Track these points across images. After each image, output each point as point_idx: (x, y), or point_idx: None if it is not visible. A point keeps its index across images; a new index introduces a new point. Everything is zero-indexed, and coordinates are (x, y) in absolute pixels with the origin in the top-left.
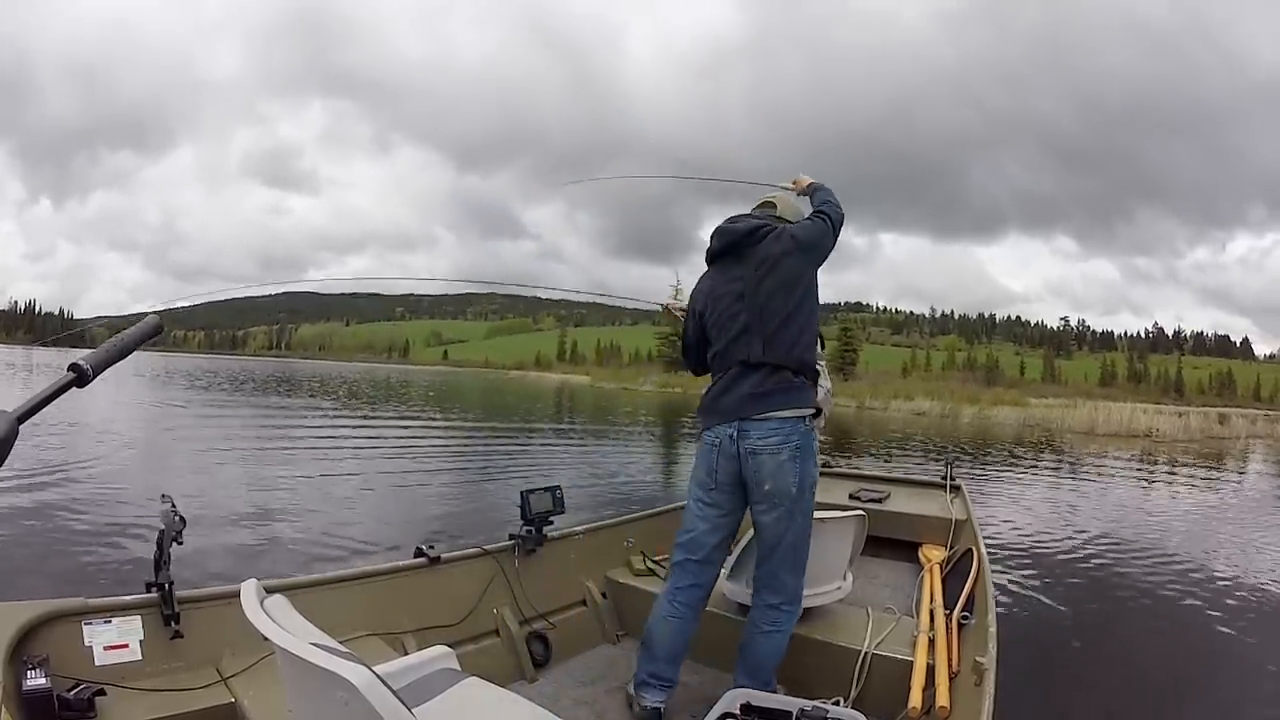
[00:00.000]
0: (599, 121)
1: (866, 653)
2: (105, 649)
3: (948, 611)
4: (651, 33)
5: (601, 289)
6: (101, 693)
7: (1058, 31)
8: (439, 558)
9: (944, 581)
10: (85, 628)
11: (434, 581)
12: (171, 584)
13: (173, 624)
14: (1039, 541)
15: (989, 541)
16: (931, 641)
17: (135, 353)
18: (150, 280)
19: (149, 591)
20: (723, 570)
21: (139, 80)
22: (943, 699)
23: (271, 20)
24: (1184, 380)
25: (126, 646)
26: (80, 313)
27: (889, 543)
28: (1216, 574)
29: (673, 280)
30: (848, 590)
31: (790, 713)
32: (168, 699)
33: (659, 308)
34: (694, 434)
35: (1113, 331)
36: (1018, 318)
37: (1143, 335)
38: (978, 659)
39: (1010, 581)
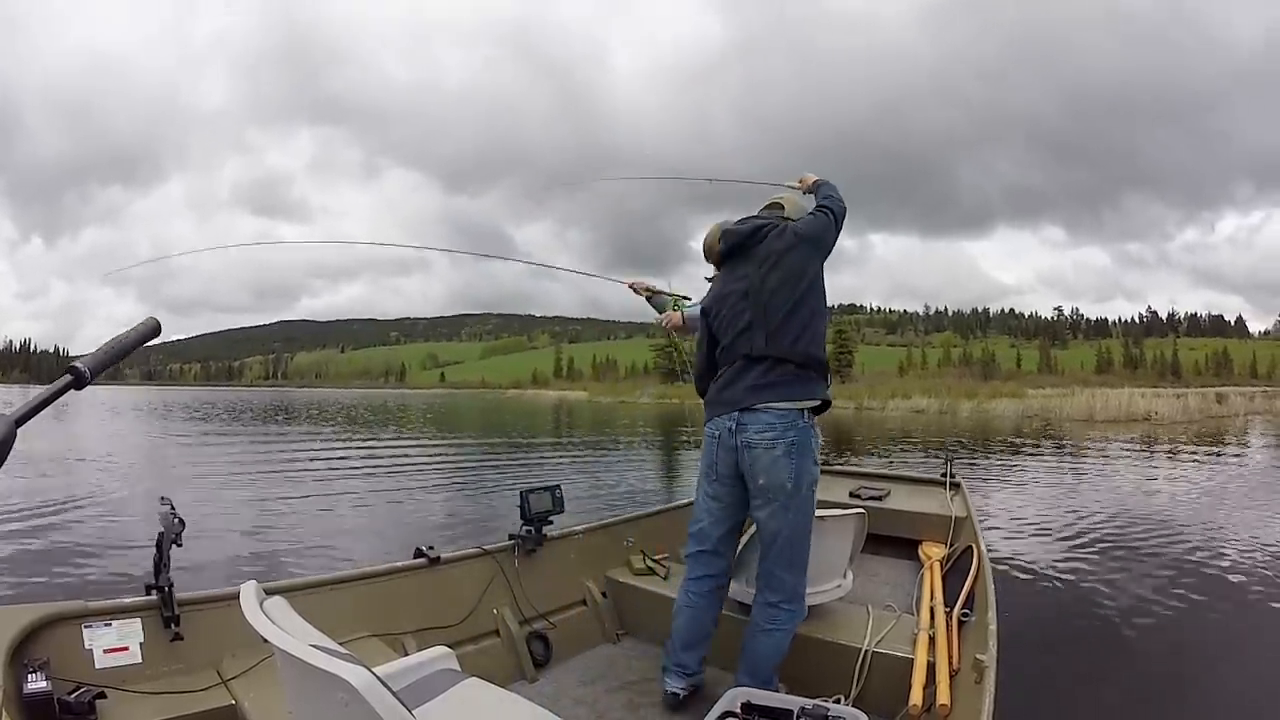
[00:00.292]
0: (586, 137)
1: (867, 651)
2: (105, 652)
3: (948, 609)
4: (636, 46)
5: (594, 304)
6: (102, 695)
7: (1038, 24)
8: (439, 558)
9: (944, 579)
10: (85, 631)
11: (434, 582)
12: (171, 586)
13: (173, 626)
14: (1040, 538)
15: (989, 538)
16: (932, 639)
17: (136, 385)
18: (144, 313)
19: (149, 594)
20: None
21: (127, 114)
22: (943, 697)
23: (257, 49)
24: (1180, 362)
25: (127, 649)
26: (75, 350)
27: (889, 540)
28: (1221, 565)
29: (665, 289)
30: (848, 588)
31: (791, 711)
32: (168, 701)
33: (624, 284)
34: (692, 442)
35: (1107, 318)
36: (1011, 310)
37: (1137, 320)
38: (978, 656)
39: (1011, 578)
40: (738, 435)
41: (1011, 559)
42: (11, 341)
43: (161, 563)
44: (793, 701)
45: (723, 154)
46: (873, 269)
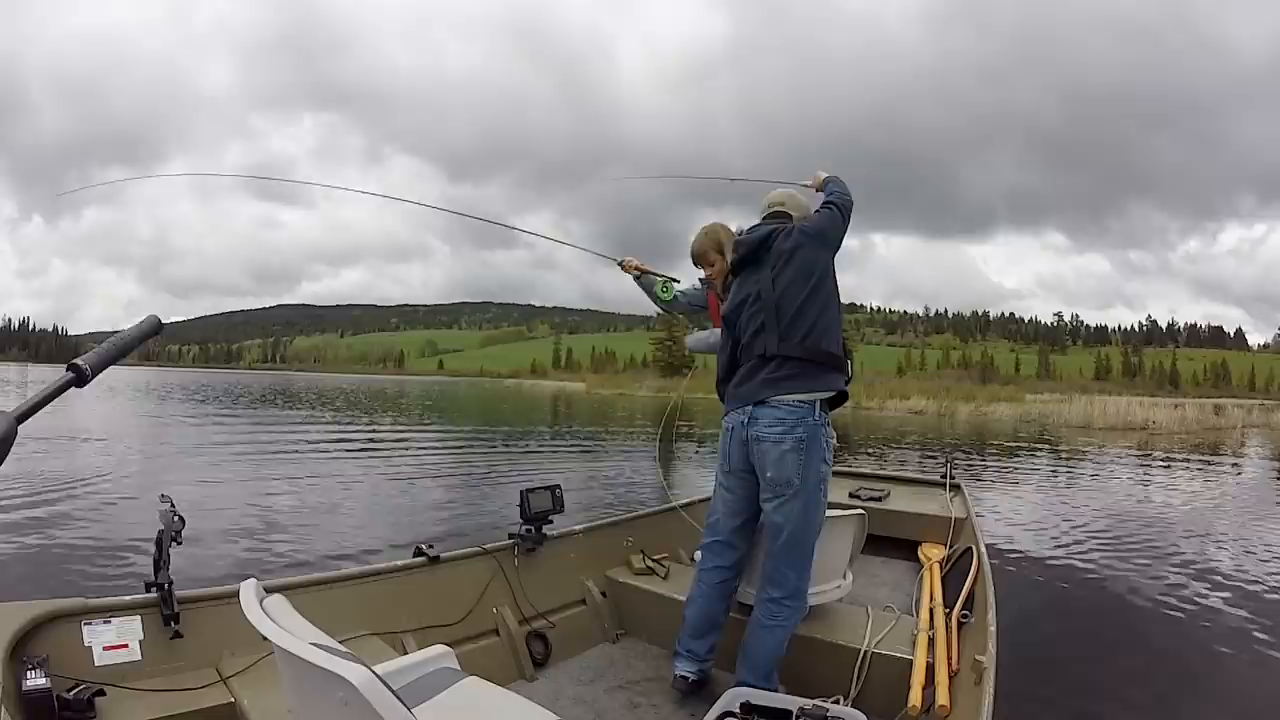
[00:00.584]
0: (587, 129)
1: (866, 651)
2: (105, 649)
3: (947, 610)
4: (638, 40)
5: (595, 296)
6: (101, 693)
7: (1039, 27)
8: (438, 557)
9: (944, 580)
10: (85, 628)
11: (433, 581)
12: (171, 584)
13: (172, 624)
14: (1039, 539)
15: (989, 540)
16: (931, 640)
17: (134, 365)
18: (144, 295)
19: (149, 592)
20: None
21: (130, 95)
22: (942, 698)
23: (261, 34)
24: (1179, 372)
25: (126, 646)
26: (74, 329)
27: (889, 541)
28: (1218, 569)
29: (654, 270)
30: (848, 589)
31: (790, 711)
32: (167, 699)
33: (614, 260)
34: (692, 436)
35: (1106, 325)
36: (1011, 314)
37: (1137, 328)
38: (977, 658)
39: (1010, 580)
40: (749, 428)
41: (1011, 561)
42: (10, 320)
43: (161, 560)
44: (792, 702)
45: (723, 150)
46: (874, 269)
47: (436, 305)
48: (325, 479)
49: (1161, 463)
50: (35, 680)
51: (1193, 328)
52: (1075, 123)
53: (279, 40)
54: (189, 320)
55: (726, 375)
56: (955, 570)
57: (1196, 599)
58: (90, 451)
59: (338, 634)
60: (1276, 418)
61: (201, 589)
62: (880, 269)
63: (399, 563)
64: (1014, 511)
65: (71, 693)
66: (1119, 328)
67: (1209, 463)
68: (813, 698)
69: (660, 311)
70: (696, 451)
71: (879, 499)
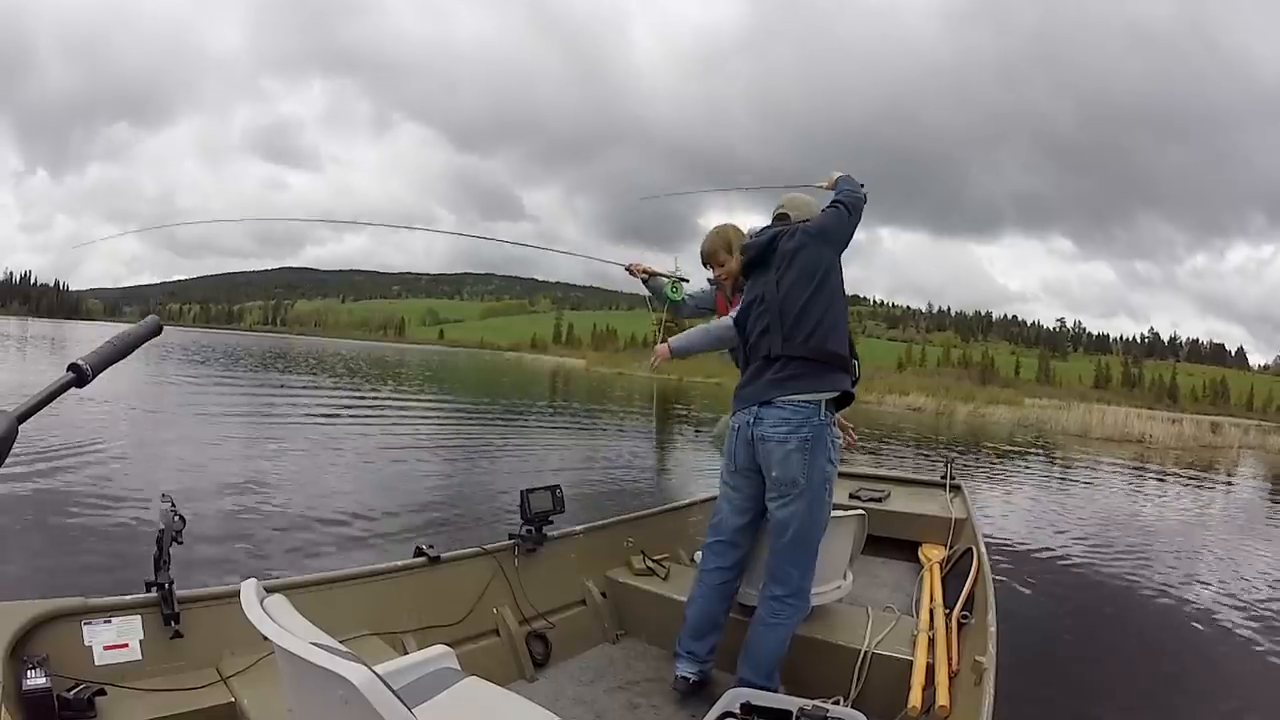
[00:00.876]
0: (598, 107)
1: (866, 652)
2: (105, 649)
3: (947, 611)
4: (653, 21)
5: (598, 274)
6: (101, 692)
7: (1059, 32)
8: (439, 557)
9: (944, 581)
10: (85, 627)
11: (434, 581)
12: (171, 583)
13: (173, 624)
14: (1038, 541)
15: (988, 541)
16: (931, 641)
17: (132, 311)
18: (147, 253)
19: (149, 591)
20: None
21: (138, 52)
22: (942, 698)
23: None
24: (1178, 386)
25: (126, 646)
26: (76, 285)
27: (889, 542)
28: (1211, 577)
29: (671, 267)
30: (848, 589)
31: (790, 712)
32: (168, 699)
33: (622, 266)
34: (689, 419)
35: (1108, 334)
36: (1014, 316)
37: (1139, 339)
38: (977, 658)
39: (1010, 581)
40: (755, 428)
41: (1011, 562)
42: (12, 273)
43: (161, 560)
44: (792, 702)
45: (734, 138)
46: (879, 262)
47: (439, 274)
48: (323, 462)
49: (1158, 476)
50: (35, 680)
51: (1194, 343)
52: (1089, 128)
53: (290, 1)
54: (191, 279)
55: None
56: (955, 571)
57: (1191, 604)
58: (88, 425)
59: (338, 634)
60: (1273, 440)
61: (202, 588)
62: (886, 263)
63: (399, 563)
64: (1013, 514)
65: (72, 692)
66: (1121, 337)
67: (1204, 480)
68: (813, 698)
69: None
70: (696, 434)
71: (879, 499)
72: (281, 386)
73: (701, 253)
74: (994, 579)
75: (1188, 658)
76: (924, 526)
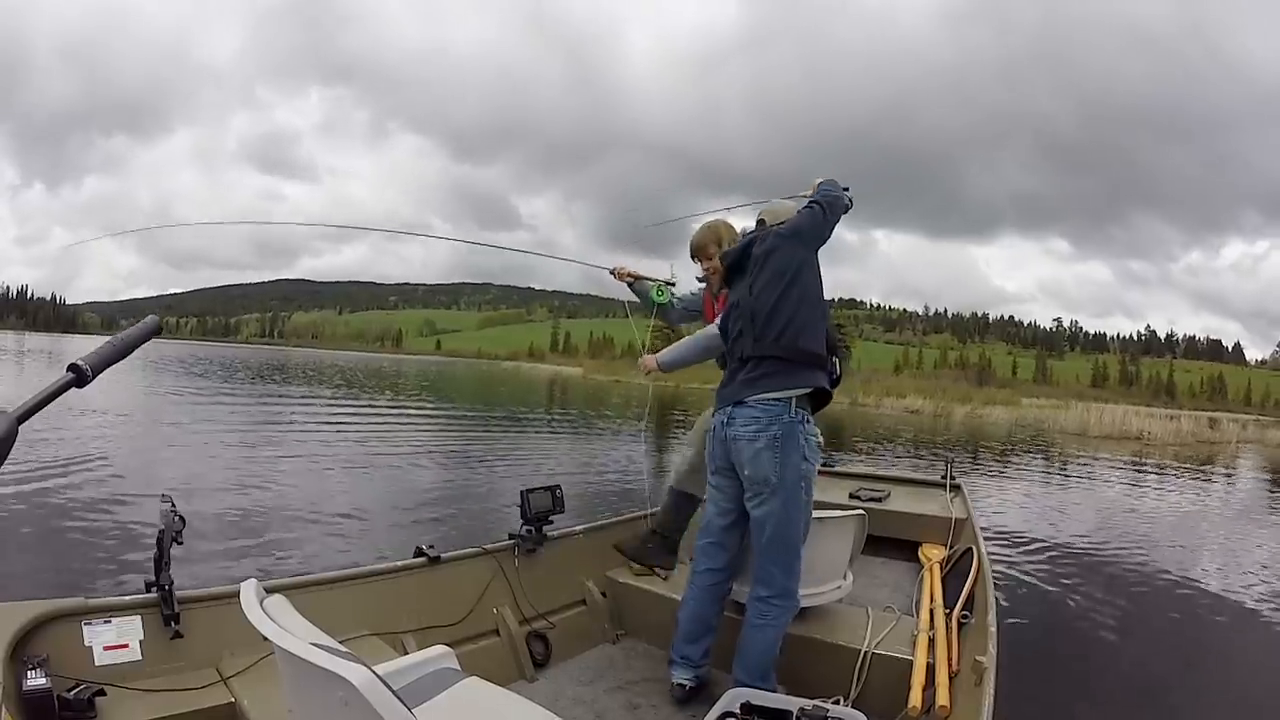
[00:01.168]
0: (595, 113)
1: (867, 652)
2: (105, 649)
3: (948, 611)
4: (649, 25)
5: (595, 281)
6: (101, 693)
7: (1057, 32)
8: (439, 557)
9: (944, 581)
10: (85, 628)
11: (434, 581)
12: (172, 584)
13: (173, 624)
14: (1038, 541)
15: (988, 541)
16: (931, 641)
17: (127, 324)
18: (143, 267)
19: (149, 591)
20: None
21: (135, 63)
22: (943, 698)
23: (271, 4)
24: (1176, 383)
25: (126, 646)
26: (72, 298)
27: (889, 542)
28: (1213, 574)
29: (667, 274)
30: (848, 590)
31: (790, 712)
32: (168, 699)
33: (606, 270)
34: (685, 424)
35: (1105, 333)
36: (1010, 317)
37: (1135, 338)
38: (977, 658)
39: (1010, 581)
40: (728, 428)
41: (1011, 562)
42: (8, 287)
43: (162, 560)
44: (792, 702)
45: (733, 140)
46: (875, 265)
47: (436, 285)
48: (321, 467)
49: (1157, 473)
50: (35, 680)
51: (1191, 340)
52: (1086, 129)
53: (288, 10)
54: (187, 293)
55: None
56: (955, 571)
57: (1193, 602)
58: (87, 431)
59: (338, 634)
60: (1271, 434)
61: (202, 589)
62: (882, 266)
63: (399, 563)
64: (1013, 514)
65: (72, 693)
66: (1118, 336)
67: (1203, 475)
68: (813, 698)
69: (635, 316)
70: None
71: (879, 499)
72: (280, 397)
73: (691, 246)
74: (994, 579)
75: (1189, 656)
76: (924, 526)
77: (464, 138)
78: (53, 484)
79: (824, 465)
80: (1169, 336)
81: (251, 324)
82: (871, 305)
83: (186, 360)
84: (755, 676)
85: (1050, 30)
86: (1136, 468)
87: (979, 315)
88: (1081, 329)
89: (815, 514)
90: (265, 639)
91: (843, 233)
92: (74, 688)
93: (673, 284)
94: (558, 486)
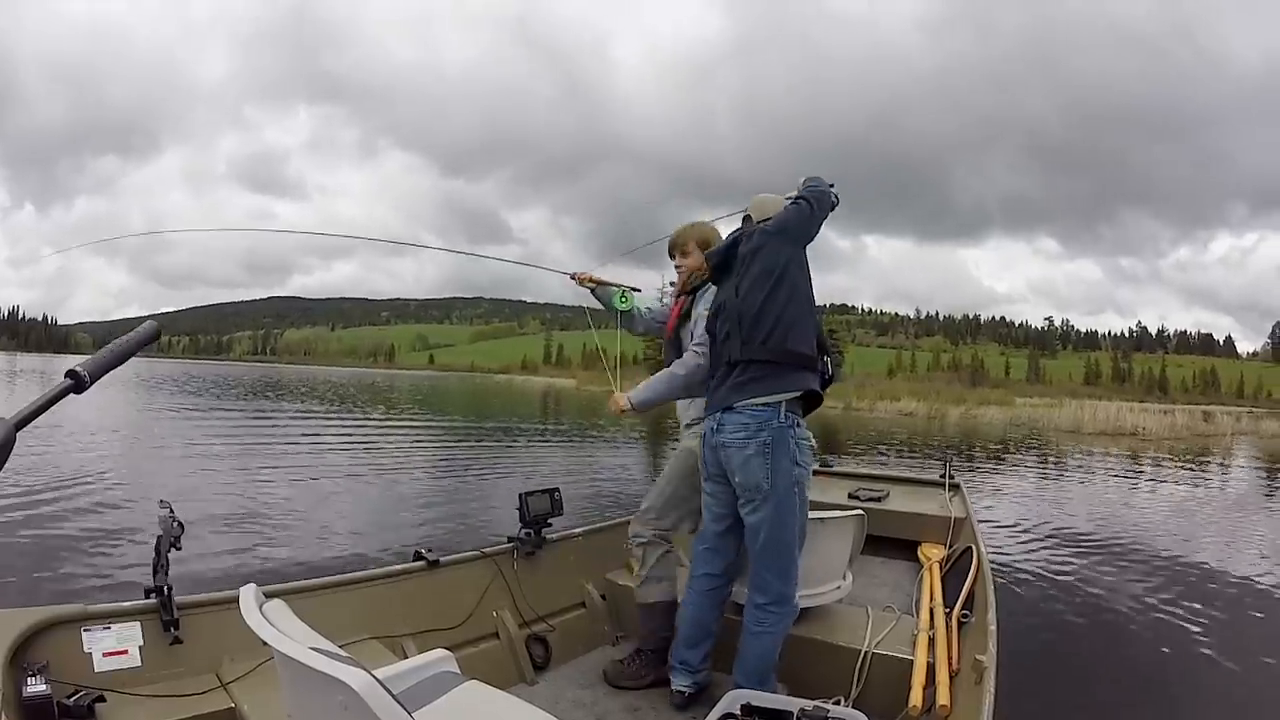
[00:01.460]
0: (584, 125)
1: (867, 652)
2: (105, 655)
3: (947, 610)
4: (637, 37)
5: (586, 294)
6: (101, 699)
7: (1040, 34)
8: (438, 561)
9: (944, 580)
10: (85, 634)
11: (433, 585)
12: (170, 589)
13: (172, 630)
14: (1038, 540)
15: (988, 540)
16: (931, 640)
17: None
18: (135, 285)
19: (148, 597)
20: None
21: (125, 84)
22: (943, 698)
23: (259, 24)
24: (1168, 378)
25: (126, 652)
26: (64, 319)
27: (888, 542)
28: (1213, 570)
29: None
30: (847, 590)
31: (791, 713)
32: (167, 705)
33: (565, 275)
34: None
35: (1097, 331)
36: (1002, 318)
37: (1127, 334)
38: (978, 657)
39: (1010, 580)
40: (717, 435)
41: (1011, 561)
42: (0, 309)
43: (160, 566)
44: (792, 703)
45: (722, 149)
46: (866, 270)
47: (428, 299)
48: (319, 477)
49: (1152, 468)
50: (35, 687)
51: (1182, 335)
52: (1072, 129)
53: (276, 31)
54: (179, 311)
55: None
56: (955, 570)
57: (1192, 599)
58: (84, 447)
59: (337, 638)
60: (1265, 425)
61: (201, 594)
62: (873, 270)
63: (398, 567)
64: (1011, 512)
65: (71, 699)
66: (1109, 333)
67: (1199, 469)
68: (813, 698)
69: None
70: None
71: (878, 499)
72: (275, 412)
73: (670, 241)
74: (994, 578)
75: (1189, 653)
76: (923, 526)
77: (454, 153)
78: (51, 493)
79: (823, 466)
80: (1160, 332)
81: (244, 341)
82: (863, 310)
83: (179, 379)
84: (754, 681)
85: (1034, 32)
86: (1133, 463)
87: (970, 317)
88: (1073, 327)
89: (814, 514)
90: (265, 644)
91: (834, 238)
92: (74, 694)
93: (638, 290)
94: (556, 490)
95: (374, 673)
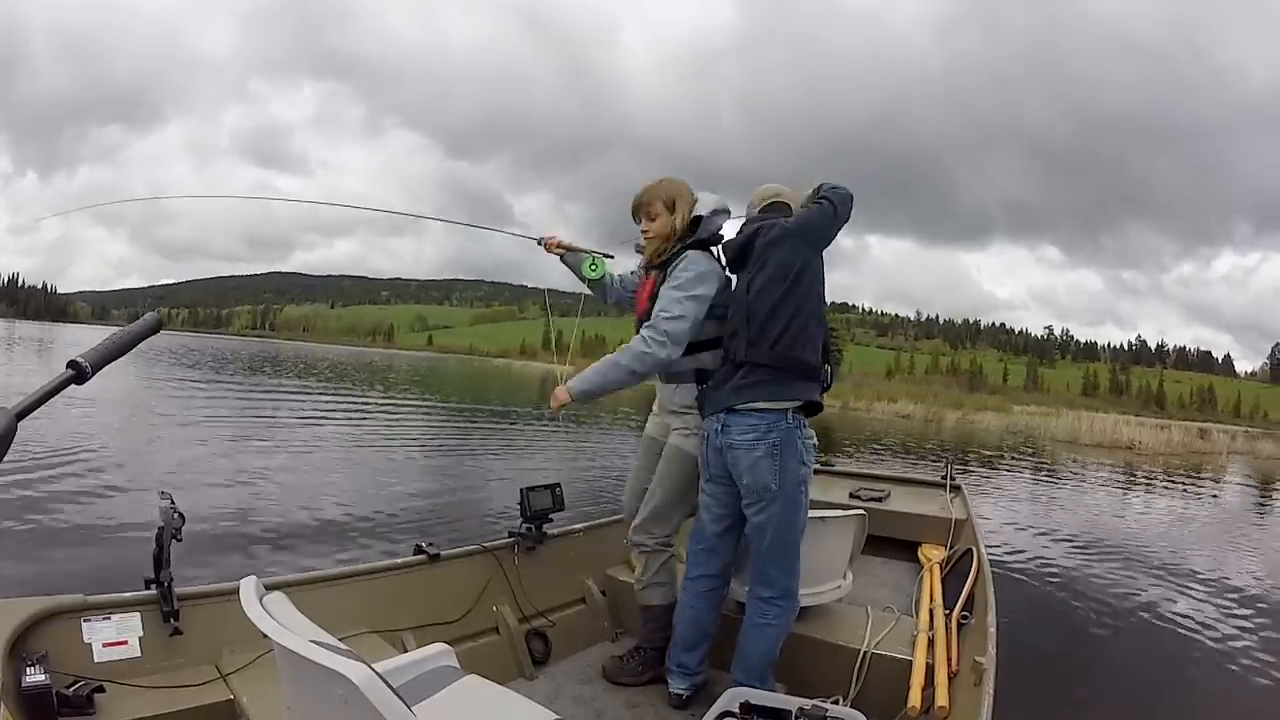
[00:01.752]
0: (589, 111)
1: (866, 652)
2: (104, 646)
3: (947, 611)
4: (645, 25)
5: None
6: (100, 689)
7: (1050, 41)
8: (438, 555)
9: (944, 581)
10: (84, 624)
11: (433, 579)
12: (171, 581)
13: (172, 621)
14: (1037, 543)
15: (988, 542)
16: (931, 641)
17: (120, 314)
18: (135, 256)
19: (148, 588)
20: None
21: (129, 55)
22: (942, 699)
23: None
24: (1166, 393)
25: (126, 643)
26: (64, 287)
27: (889, 542)
28: (1209, 576)
29: (583, 247)
30: (847, 589)
31: (789, 712)
32: (167, 696)
33: (534, 240)
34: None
35: (1096, 342)
36: (1002, 324)
37: (1126, 347)
38: (977, 659)
39: (1010, 582)
40: (723, 436)
41: (1011, 563)
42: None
43: (161, 557)
44: (791, 702)
45: (724, 141)
46: (867, 269)
47: (428, 280)
48: (319, 464)
49: (1149, 481)
50: (34, 677)
51: (1181, 350)
52: (1079, 137)
53: (283, 5)
54: (180, 283)
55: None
56: (955, 571)
57: (1188, 604)
58: (81, 427)
59: (337, 631)
60: (1261, 446)
61: (201, 586)
62: (874, 270)
63: (399, 560)
64: (1009, 516)
65: (71, 689)
66: (1108, 345)
67: (1194, 485)
68: (812, 698)
69: (589, 294)
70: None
71: (879, 499)
72: (273, 390)
73: (634, 201)
74: (994, 579)
75: (1186, 655)
76: (924, 526)
77: (458, 135)
78: (51, 482)
79: (823, 465)
80: (1159, 347)
81: (243, 316)
82: (864, 309)
83: (178, 351)
84: (754, 678)
85: (1041, 37)
86: (1129, 475)
87: (970, 322)
88: (1072, 337)
89: (815, 514)
90: (265, 636)
91: (838, 236)
92: (73, 684)
93: (610, 256)
94: (557, 485)
95: (373, 666)
